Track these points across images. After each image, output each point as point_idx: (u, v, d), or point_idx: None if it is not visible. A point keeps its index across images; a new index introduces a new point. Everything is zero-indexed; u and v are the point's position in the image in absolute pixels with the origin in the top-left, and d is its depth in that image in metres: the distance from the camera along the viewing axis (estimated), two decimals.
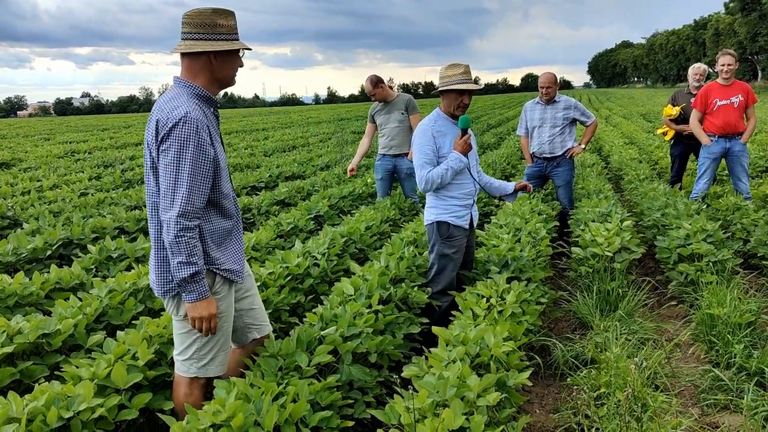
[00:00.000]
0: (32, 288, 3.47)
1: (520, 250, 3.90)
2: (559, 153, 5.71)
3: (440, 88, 3.46)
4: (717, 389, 2.94)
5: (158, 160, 2.12)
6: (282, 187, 7.62)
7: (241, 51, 2.29)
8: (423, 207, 6.02)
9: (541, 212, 5.25)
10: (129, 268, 4.27)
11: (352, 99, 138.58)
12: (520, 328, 2.87)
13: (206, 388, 2.40)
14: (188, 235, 2.09)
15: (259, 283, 3.41)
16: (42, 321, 2.82)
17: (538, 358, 3.28)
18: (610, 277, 4.01)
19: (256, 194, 7.62)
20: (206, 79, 2.24)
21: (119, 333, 2.78)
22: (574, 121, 5.75)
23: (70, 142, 19.29)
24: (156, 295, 2.29)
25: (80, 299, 3.18)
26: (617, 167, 9.12)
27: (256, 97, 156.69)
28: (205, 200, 2.16)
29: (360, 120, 28.18)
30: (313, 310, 3.07)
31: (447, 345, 2.62)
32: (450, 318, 3.16)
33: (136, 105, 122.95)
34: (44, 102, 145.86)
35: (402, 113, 5.83)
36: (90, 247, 4.38)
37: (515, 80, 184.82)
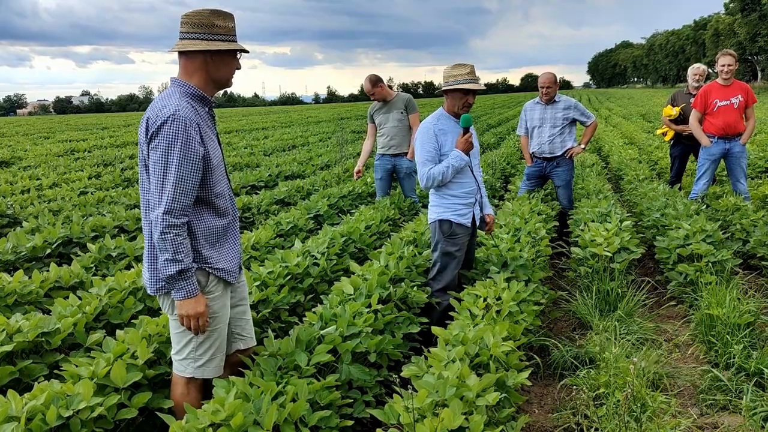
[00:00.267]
0: (32, 286, 3.47)
1: (520, 250, 3.90)
2: (559, 153, 5.71)
3: (445, 88, 3.47)
4: (716, 389, 2.94)
5: (148, 158, 2.15)
6: (282, 186, 7.62)
7: (238, 54, 2.30)
8: (423, 207, 6.05)
9: (541, 212, 5.26)
10: (128, 267, 4.27)
11: (351, 98, 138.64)
12: (519, 328, 2.87)
13: (204, 388, 2.40)
14: (174, 232, 2.10)
15: (258, 282, 3.42)
16: (41, 320, 2.82)
17: (537, 358, 3.28)
18: (609, 277, 4.01)
19: (256, 193, 7.62)
20: (202, 79, 2.25)
21: (119, 332, 2.78)
22: (573, 122, 5.75)
23: (70, 141, 19.28)
24: (149, 292, 2.30)
25: (80, 298, 3.18)
26: (617, 167, 9.13)
27: (256, 96, 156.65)
28: (193, 198, 2.17)
29: (360, 119, 28.18)
30: (313, 310, 3.07)
31: (446, 345, 2.62)
32: (449, 318, 3.17)
33: (135, 104, 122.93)
34: (44, 100, 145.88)
35: (401, 113, 5.83)
36: (89, 245, 4.38)
37: (515, 80, 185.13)
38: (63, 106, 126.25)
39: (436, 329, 2.78)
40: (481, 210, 3.70)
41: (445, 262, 3.59)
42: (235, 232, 2.42)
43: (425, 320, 3.32)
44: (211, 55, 2.22)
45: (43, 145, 17.93)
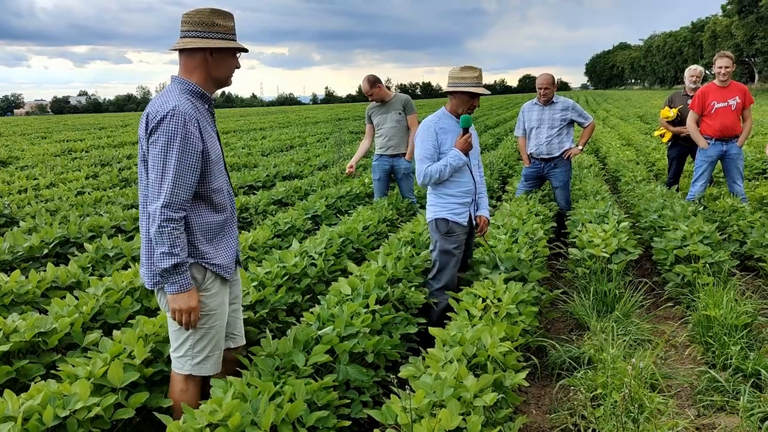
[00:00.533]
0: (29, 286, 3.46)
1: (518, 251, 3.90)
2: (557, 154, 5.72)
3: (451, 89, 3.48)
4: (713, 390, 2.95)
5: (148, 153, 2.17)
6: (279, 186, 7.61)
7: (238, 53, 2.33)
8: (421, 207, 6.06)
9: (539, 213, 5.26)
10: (125, 267, 4.26)
11: (349, 99, 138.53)
12: (517, 329, 2.87)
13: (202, 386, 2.40)
14: (172, 225, 2.12)
15: (256, 283, 3.42)
16: (38, 319, 2.81)
17: (534, 358, 3.28)
18: (606, 278, 4.02)
19: (254, 194, 7.61)
20: (202, 77, 2.28)
21: (115, 332, 2.77)
22: (571, 123, 5.76)
23: (67, 141, 19.23)
24: (146, 287, 2.30)
25: (77, 298, 3.17)
26: (614, 168, 9.14)
27: (254, 96, 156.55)
28: (192, 192, 2.19)
29: (357, 120, 28.17)
30: (310, 310, 3.07)
31: (444, 345, 2.62)
32: (448, 318, 3.17)
33: (133, 104, 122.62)
34: (41, 100, 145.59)
35: (399, 113, 5.83)
36: (87, 245, 4.37)
37: (513, 81, 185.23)
38: (60, 106, 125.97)
39: (433, 330, 2.78)
40: (477, 210, 3.71)
41: (444, 261, 3.60)
42: (233, 228, 2.43)
43: (423, 321, 3.32)
44: (210, 53, 2.25)
45: (41, 145, 17.89)
